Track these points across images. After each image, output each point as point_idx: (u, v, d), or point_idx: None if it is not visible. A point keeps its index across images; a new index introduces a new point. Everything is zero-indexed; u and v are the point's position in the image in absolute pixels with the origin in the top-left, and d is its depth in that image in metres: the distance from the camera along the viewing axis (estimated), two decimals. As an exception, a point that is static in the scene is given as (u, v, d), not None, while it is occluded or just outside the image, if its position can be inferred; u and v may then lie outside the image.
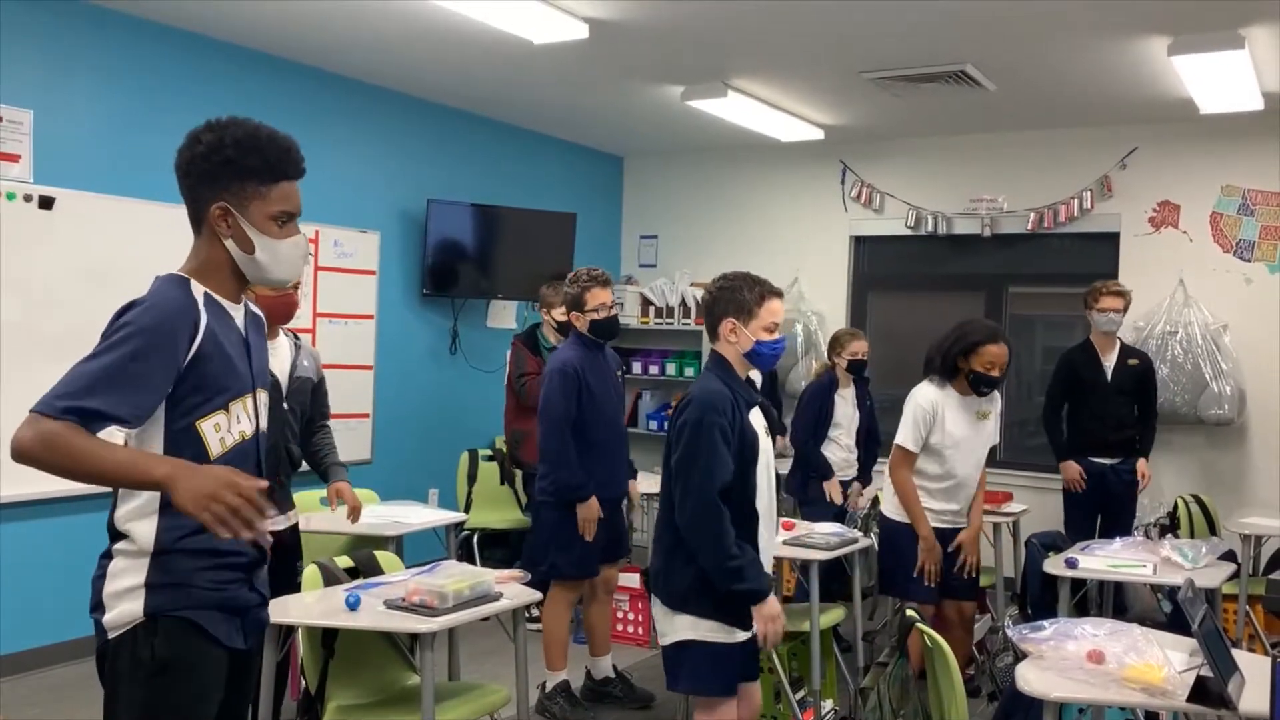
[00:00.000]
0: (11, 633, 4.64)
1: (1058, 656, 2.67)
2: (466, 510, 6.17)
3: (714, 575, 2.88)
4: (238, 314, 2.07)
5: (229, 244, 2.00)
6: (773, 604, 2.92)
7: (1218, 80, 5.13)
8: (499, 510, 6.31)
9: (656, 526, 3.07)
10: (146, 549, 1.94)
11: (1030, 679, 2.61)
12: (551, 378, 4.24)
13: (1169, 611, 5.31)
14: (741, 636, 2.95)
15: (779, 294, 3.11)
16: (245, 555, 2.06)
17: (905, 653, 2.96)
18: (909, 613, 2.94)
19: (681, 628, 2.94)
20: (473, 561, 5.98)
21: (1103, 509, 5.51)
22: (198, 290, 1.97)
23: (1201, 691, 2.43)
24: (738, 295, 3.05)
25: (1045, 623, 2.82)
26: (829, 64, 5.43)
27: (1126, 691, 2.51)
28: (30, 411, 1.80)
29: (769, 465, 3.07)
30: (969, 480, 4.12)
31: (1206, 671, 2.46)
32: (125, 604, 1.93)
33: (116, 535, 1.97)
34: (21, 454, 1.78)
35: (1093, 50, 5.02)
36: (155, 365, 1.87)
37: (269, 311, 2.92)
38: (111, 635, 1.94)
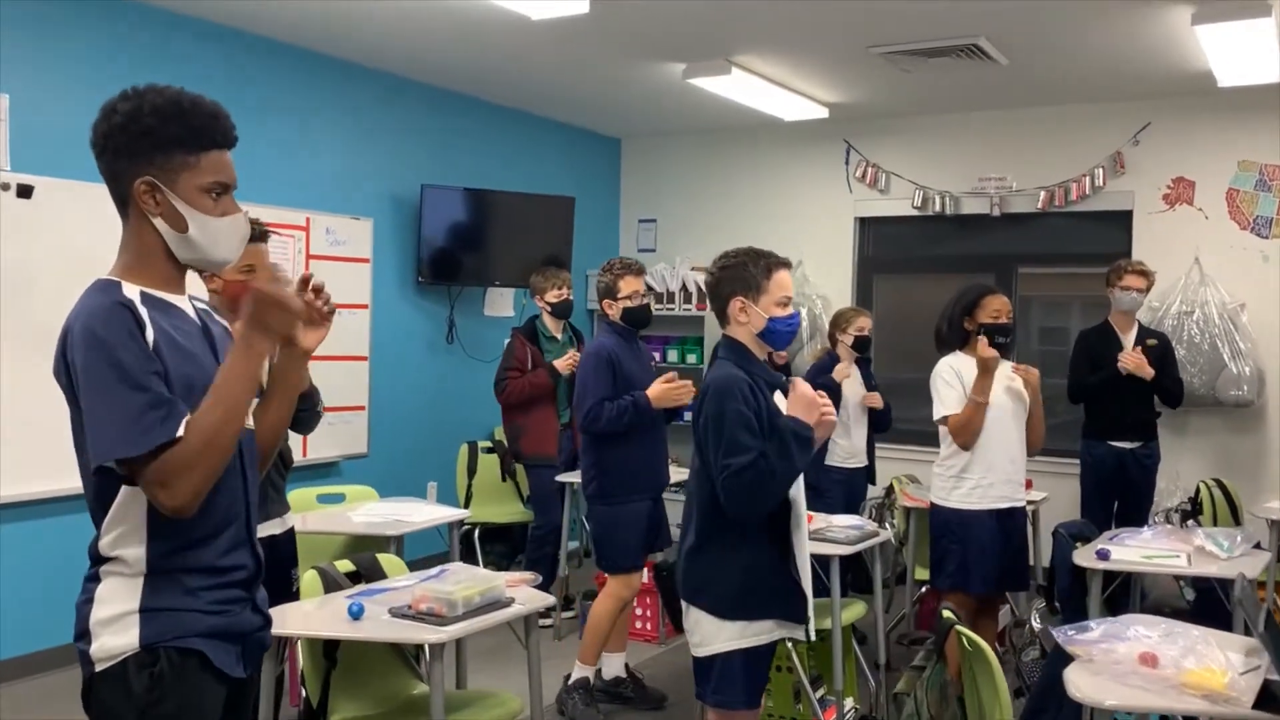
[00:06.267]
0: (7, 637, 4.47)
1: (1109, 660, 2.51)
2: (466, 504, 6.01)
3: (793, 477, 2.74)
4: (185, 304, 1.87)
5: (159, 223, 1.80)
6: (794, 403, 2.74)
7: (1240, 51, 4.95)
8: (500, 504, 6.15)
9: (692, 536, 2.85)
10: (139, 570, 1.76)
11: (1080, 685, 2.46)
12: (585, 362, 4.23)
13: (1191, 600, 5.19)
14: (796, 630, 2.83)
15: (787, 264, 2.94)
16: (244, 568, 1.89)
17: (943, 656, 2.80)
18: (945, 614, 2.78)
19: (728, 636, 2.76)
20: (474, 557, 5.83)
21: (1120, 495, 5.39)
22: (131, 291, 1.77)
23: (1269, 697, 2.28)
24: (744, 271, 2.87)
25: (1092, 623, 2.67)
26: (837, 39, 5.25)
27: (1186, 698, 2.36)
28: (143, 478, 1.70)
29: None
30: (1010, 448, 3.99)
31: (1271, 674, 2.32)
32: (116, 632, 1.74)
33: (101, 559, 1.78)
34: (192, 497, 1.71)
35: (1113, 20, 4.84)
36: (141, 356, 1.72)
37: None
38: (100, 667, 1.75)
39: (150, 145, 1.78)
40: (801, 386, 2.75)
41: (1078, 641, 2.61)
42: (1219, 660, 2.38)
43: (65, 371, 1.75)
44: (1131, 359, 5.10)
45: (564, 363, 5.37)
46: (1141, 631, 2.56)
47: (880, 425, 5.39)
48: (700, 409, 2.82)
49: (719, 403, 2.75)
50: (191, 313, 1.89)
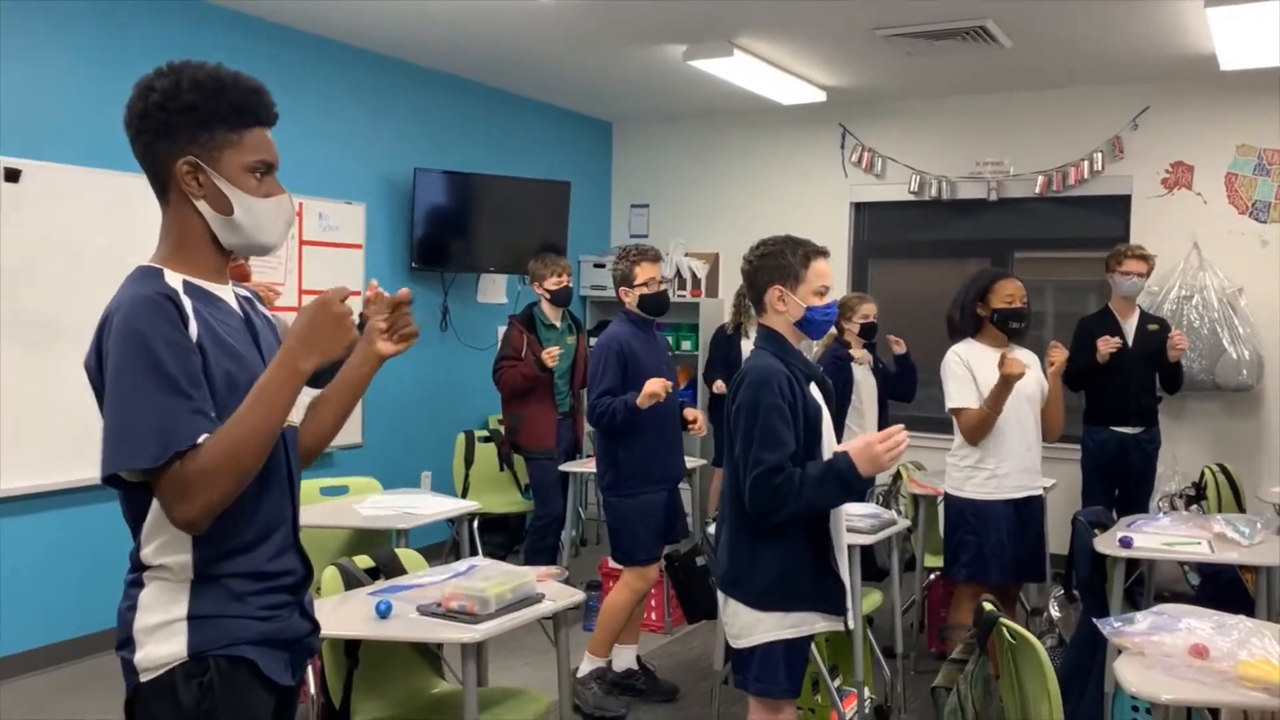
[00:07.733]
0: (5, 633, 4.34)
1: (1159, 652, 2.47)
2: (465, 494, 5.91)
3: (818, 509, 2.68)
4: (228, 295, 1.78)
5: (201, 205, 1.70)
6: (865, 451, 2.59)
7: (1249, 34, 4.92)
8: (498, 493, 6.06)
9: (728, 525, 2.81)
10: (185, 576, 1.66)
11: (1132, 679, 2.41)
12: (596, 354, 4.14)
13: (1196, 584, 5.18)
14: (836, 623, 2.77)
15: (825, 253, 2.90)
16: (293, 573, 1.80)
17: (986, 650, 2.75)
18: (987, 606, 2.72)
19: (767, 627, 2.71)
20: (474, 547, 5.73)
21: (1121, 480, 5.38)
22: (174, 279, 1.68)
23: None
24: (781, 260, 2.83)
25: (1139, 615, 2.63)
26: (842, 21, 5.17)
27: (1244, 691, 2.31)
28: (158, 487, 1.59)
29: (831, 441, 2.85)
30: (1026, 434, 3.96)
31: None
32: (162, 640, 1.65)
33: (144, 566, 1.68)
34: (206, 513, 1.59)
35: (1124, 2, 4.79)
36: (180, 354, 1.60)
37: None
38: (145, 678, 1.65)
39: (192, 122, 1.68)
40: (875, 441, 2.59)
41: (1125, 634, 2.56)
42: (1277, 652, 2.34)
43: (97, 363, 1.64)
44: (1105, 346, 5.07)
45: (549, 354, 5.26)
46: (1193, 623, 2.51)
47: (903, 394, 5.44)
48: (734, 397, 2.76)
49: (754, 392, 2.70)
50: (234, 303, 1.80)
